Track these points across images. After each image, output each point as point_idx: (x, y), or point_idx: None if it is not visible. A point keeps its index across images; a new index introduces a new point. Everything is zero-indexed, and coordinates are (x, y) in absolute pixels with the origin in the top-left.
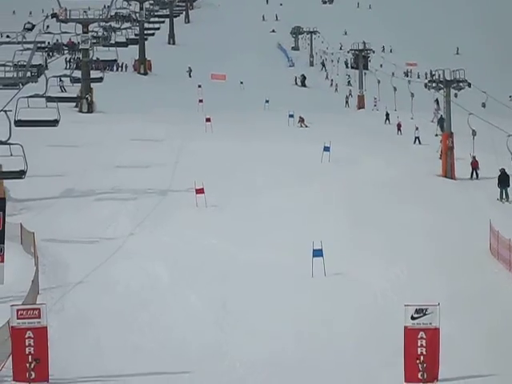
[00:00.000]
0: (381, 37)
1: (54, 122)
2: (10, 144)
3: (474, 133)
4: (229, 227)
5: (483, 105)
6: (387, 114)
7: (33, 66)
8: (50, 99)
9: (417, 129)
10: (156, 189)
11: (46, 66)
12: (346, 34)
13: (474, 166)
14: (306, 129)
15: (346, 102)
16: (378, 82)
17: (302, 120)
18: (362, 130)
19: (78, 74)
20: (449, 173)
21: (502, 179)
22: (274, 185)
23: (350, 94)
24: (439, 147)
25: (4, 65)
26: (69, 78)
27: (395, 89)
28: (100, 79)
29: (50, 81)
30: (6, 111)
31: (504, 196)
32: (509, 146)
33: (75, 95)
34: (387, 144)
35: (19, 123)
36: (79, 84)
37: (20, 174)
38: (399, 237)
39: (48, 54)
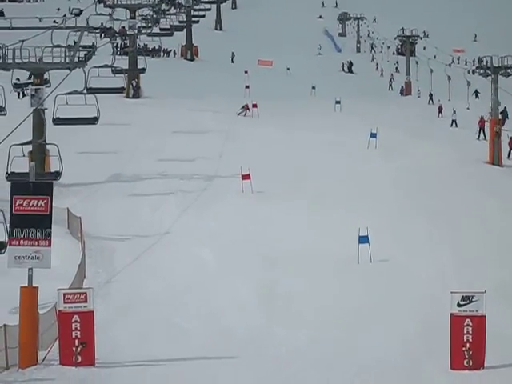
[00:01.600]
0: (427, 23)
1: (93, 120)
2: (45, 144)
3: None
4: (275, 213)
5: None
6: (430, 95)
7: (83, 46)
8: (90, 91)
9: (454, 112)
10: (202, 174)
11: (94, 52)
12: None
13: (481, 125)
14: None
15: (390, 85)
16: (431, 71)
17: (246, 107)
18: (408, 116)
19: (119, 63)
20: (496, 159)
21: None
22: (321, 171)
23: (393, 78)
24: None
25: (58, 46)
26: (110, 69)
27: (449, 78)
28: (142, 70)
29: (91, 71)
30: (42, 110)
31: None
32: None
33: (119, 86)
34: (434, 131)
35: (57, 121)
36: (121, 75)
37: (55, 176)
38: (447, 224)
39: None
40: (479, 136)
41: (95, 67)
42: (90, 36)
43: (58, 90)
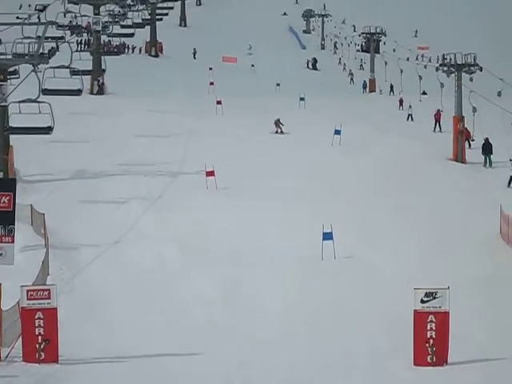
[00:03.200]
0: (393, 20)
1: (77, 92)
2: (39, 102)
3: (474, 110)
4: (239, 210)
5: (499, 93)
6: (391, 86)
7: (52, 38)
8: (74, 73)
9: (410, 106)
10: (167, 171)
11: (58, 48)
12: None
13: (438, 118)
14: (284, 135)
15: (351, 79)
16: (385, 63)
17: (278, 124)
18: (372, 113)
19: (80, 63)
20: (459, 157)
21: (486, 147)
22: (285, 168)
23: (352, 73)
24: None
25: (28, 37)
26: (89, 52)
27: (402, 71)
28: (118, 53)
29: (46, 72)
30: (36, 72)
31: (488, 163)
32: None
33: (76, 88)
34: (398, 128)
35: (46, 92)
36: (78, 76)
37: (47, 130)
38: (409, 221)
39: (60, 38)
40: (435, 128)
41: (51, 67)
42: (57, 32)
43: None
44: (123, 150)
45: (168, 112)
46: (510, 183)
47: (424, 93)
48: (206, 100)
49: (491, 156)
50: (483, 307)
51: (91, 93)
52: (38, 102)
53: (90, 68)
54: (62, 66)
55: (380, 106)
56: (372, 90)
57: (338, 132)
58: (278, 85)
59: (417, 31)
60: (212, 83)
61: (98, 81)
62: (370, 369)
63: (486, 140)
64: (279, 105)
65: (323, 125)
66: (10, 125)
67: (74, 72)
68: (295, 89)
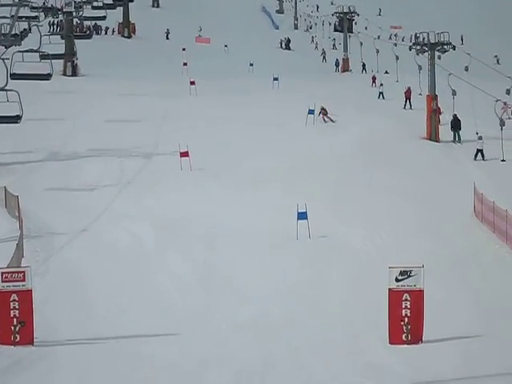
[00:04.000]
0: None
1: (47, 76)
2: (6, 90)
3: (454, 93)
4: (213, 190)
5: (466, 68)
6: (363, 65)
7: (26, 17)
8: (43, 57)
9: (381, 85)
10: (141, 152)
11: (30, 29)
12: None
13: (408, 95)
14: (331, 123)
15: (324, 58)
16: (361, 44)
17: (324, 112)
18: (346, 92)
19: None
20: (433, 135)
21: (455, 124)
22: (259, 148)
23: (324, 52)
24: None
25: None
26: (59, 36)
27: (378, 51)
28: (89, 36)
29: (15, 56)
30: (3, 59)
31: (457, 138)
32: (496, 110)
33: (46, 72)
34: (371, 107)
35: (14, 76)
36: (47, 60)
37: (16, 119)
38: (384, 199)
39: (34, 17)
40: (405, 105)
41: (20, 51)
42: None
43: None
44: (96, 131)
45: (141, 93)
46: (476, 156)
47: (386, 72)
48: (179, 81)
49: (460, 132)
50: (458, 285)
51: (64, 74)
52: (6, 90)
53: (62, 51)
54: (31, 50)
55: (353, 85)
56: (345, 70)
57: (311, 112)
58: (251, 65)
59: (380, 10)
60: (185, 64)
61: (72, 62)
62: (345, 348)
63: (455, 116)
64: (253, 85)
65: (297, 104)
66: None
67: (44, 56)
68: (269, 69)
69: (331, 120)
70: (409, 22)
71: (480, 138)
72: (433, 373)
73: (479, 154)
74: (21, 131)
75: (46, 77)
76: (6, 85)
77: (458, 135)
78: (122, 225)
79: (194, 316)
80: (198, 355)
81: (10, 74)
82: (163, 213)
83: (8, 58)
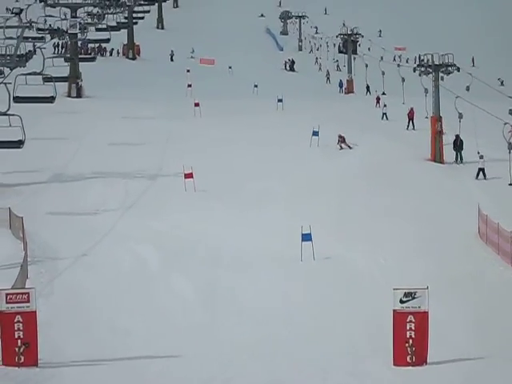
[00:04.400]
0: (370, 21)
1: (50, 99)
2: (8, 115)
3: (460, 116)
4: (218, 212)
5: (467, 88)
6: (367, 87)
7: (33, 38)
8: (47, 79)
9: (385, 105)
10: (145, 173)
11: (35, 51)
12: (327, 14)
13: (411, 116)
14: (349, 150)
15: (328, 78)
16: (366, 66)
17: (342, 140)
18: (350, 114)
19: (51, 71)
20: (437, 157)
21: (457, 144)
22: (263, 169)
23: (329, 73)
24: None
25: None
26: (63, 59)
27: (383, 73)
28: (93, 59)
29: (18, 79)
30: (5, 83)
31: (459, 159)
32: (504, 133)
33: (49, 95)
34: (375, 128)
35: (17, 99)
36: (51, 83)
37: (18, 144)
38: (388, 221)
39: (40, 38)
40: (408, 126)
41: (23, 74)
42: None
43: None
44: (101, 152)
45: (146, 115)
46: (477, 175)
47: (383, 93)
48: (184, 102)
49: (462, 152)
50: (462, 307)
51: (69, 96)
52: (8, 114)
53: (64, 74)
54: (34, 73)
55: (357, 106)
56: (350, 91)
57: (316, 133)
58: (255, 86)
59: (381, 31)
60: (190, 85)
61: (77, 83)
62: (349, 369)
63: (457, 136)
64: (257, 106)
65: (301, 126)
66: None
67: (47, 79)
68: (273, 90)
69: (349, 147)
70: (412, 42)
71: (481, 157)
72: None
73: (480, 172)
74: (25, 151)
75: (50, 100)
76: (8, 109)
77: (460, 155)
78: (126, 246)
79: (197, 337)
80: (202, 376)
81: (13, 98)
82: (167, 234)
83: (10, 83)
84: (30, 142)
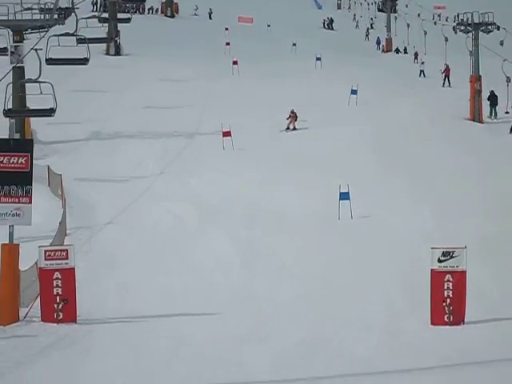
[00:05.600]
0: None
1: (84, 60)
2: (39, 82)
3: (508, 80)
4: (256, 170)
5: (501, 43)
6: (405, 48)
7: (60, 8)
8: (80, 41)
9: (422, 63)
10: (183, 131)
11: (73, 7)
12: None
13: (447, 73)
14: (295, 132)
15: (367, 35)
16: (408, 25)
17: (294, 117)
18: (389, 72)
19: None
20: (476, 116)
21: (491, 99)
22: (301, 127)
23: (368, 30)
24: None
25: (31, 8)
26: (97, 19)
27: (425, 32)
28: (128, 20)
29: (79, 22)
30: (36, 49)
31: (493, 114)
32: None
33: (105, 36)
34: (413, 86)
35: (50, 61)
36: (107, 24)
37: (50, 112)
38: (427, 180)
39: None
40: (444, 84)
41: (55, 35)
42: None
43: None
44: (139, 110)
45: (184, 73)
46: (511, 130)
47: (397, 51)
48: (222, 61)
49: (496, 107)
50: (501, 266)
51: (107, 53)
52: (39, 82)
53: (99, 35)
54: (67, 34)
55: (395, 64)
56: (388, 50)
57: (354, 92)
58: (294, 45)
59: None
60: (228, 44)
61: (115, 41)
62: (386, 328)
63: (492, 92)
64: (295, 65)
65: (340, 85)
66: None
67: (81, 40)
68: (311, 49)
69: (295, 128)
70: (452, 1)
71: None
72: (474, 354)
73: None
74: (62, 109)
75: (83, 61)
76: (39, 76)
77: (495, 111)
78: (164, 204)
79: (234, 295)
80: (239, 333)
81: (46, 59)
82: (205, 192)
83: (41, 49)
84: (67, 96)
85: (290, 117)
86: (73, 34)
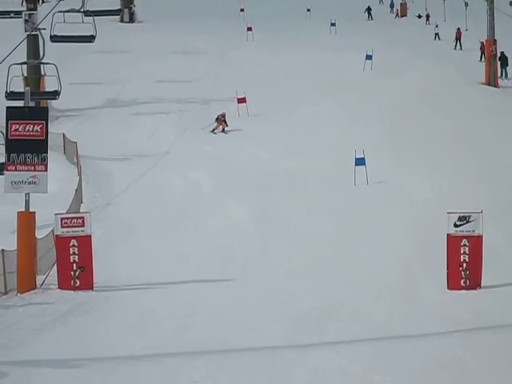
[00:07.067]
0: None
1: (90, 38)
2: (43, 63)
3: None
4: (271, 136)
5: (510, 3)
6: (419, 16)
7: None
8: (88, 13)
9: (436, 26)
10: (198, 98)
11: None
12: None
13: (458, 36)
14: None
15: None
16: None
17: (222, 120)
18: (403, 37)
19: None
20: (492, 80)
21: (502, 59)
22: (316, 94)
23: None
24: None
25: None
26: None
27: None
28: (118, 11)
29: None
30: (39, 29)
31: (504, 74)
32: None
33: (115, 8)
34: (427, 49)
35: (55, 38)
36: (90, 23)
37: (54, 95)
38: (443, 145)
39: None
40: (455, 46)
41: (61, 11)
42: None
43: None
44: (154, 77)
45: (199, 39)
46: None
47: (419, 16)
48: (236, 27)
49: (507, 68)
50: None
51: (121, 21)
52: (43, 63)
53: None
54: (73, 10)
55: (409, 29)
56: (403, 15)
57: (369, 57)
58: (308, 10)
59: None
60: (242, 10)
61: (130, 8)
62: (403, 293)
63: (502, 53)
64: (310, 31)
65: (354, 50)
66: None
67: (88, 12)
68: (326, 14)
69: (223, 131)
70: None
71: None
72: (491, 318)
73: None
74: (75, 75)
75: (89, 39)
76: (42, 57)
77: (505, 71)
78: (180, 171)
79: (250, 261)
80: (255, 300)
81: (50, 36)
82: (220, 158)
83: (45, 29)
84: (82, 68)
85: (218, 119)
86: (78, 11)
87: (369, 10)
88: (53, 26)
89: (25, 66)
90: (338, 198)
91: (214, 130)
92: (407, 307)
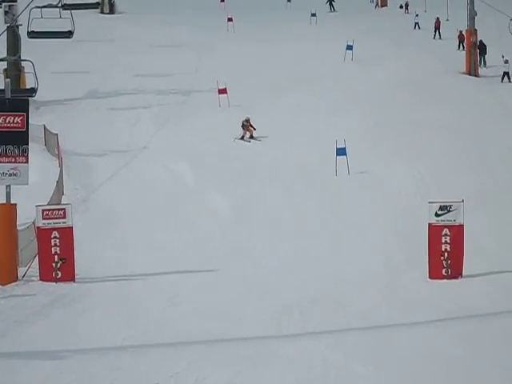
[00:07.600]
0: None
1: (68, 34)
2: (20, 60)
3: None
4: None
5: None
6: (401, 5)
7: None
8: (66, 7)
9: (417, 15)
10: (179, 89)
11: None
12: None
13: (437, 25)
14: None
15: None
16: None
17: (248, 126)
18: (383, 26)
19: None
20: (472, 70)
21: (481, 48)
22: (297, 84)
23: None
24: None
25: None
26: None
27: None
28: (96, 5)
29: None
30: (17, 26)
31: (483, 62)
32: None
33: (93, 1)
34: (408, 39)
35: (32, 34)
36: (69, 18)
37: (31, 92)
38: (423, 135)
39: None
40: (435, 36)
41: (38, 7)
42: None
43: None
44: (136, 68)
45: (180, 30)
46: (502, 78)
47: (400, 6)
48: (217, 18)
49: (485, 56)
50: (498, 220)
51: (101, 12)
52: (19, 60)
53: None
54: (50, 6)
55: (390, 19)
56: (383, 5)
57: (350, 47)
58: (288, 1)
59: None
60: (223, 1)
61: (110, 0)
62: (385, 282)
63: (480, 42)
64: (291, 21)
65: (335, 40)
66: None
67: (66, 6)
68: (306, 5)
69: (251, 137)
70: None
71: (506, 61)
72: (472, 307)
73: (505, 76)
74: (60, 66)
75: (67, 34)
76: (19, 54)
77: (484, 59)
78: (162, 162)
79: (233, 252)
80: (239, 291)
81: (28, 33)
82: (201, 149)
83: (21, 24)
84: (62, 60)
85: (244, 126)
86: (56, 6)
87: (330, 1)
88: (30, 22)
89: (2, 63)
90: (319, 188)
91: (242, 137)
92: (389, 297)
